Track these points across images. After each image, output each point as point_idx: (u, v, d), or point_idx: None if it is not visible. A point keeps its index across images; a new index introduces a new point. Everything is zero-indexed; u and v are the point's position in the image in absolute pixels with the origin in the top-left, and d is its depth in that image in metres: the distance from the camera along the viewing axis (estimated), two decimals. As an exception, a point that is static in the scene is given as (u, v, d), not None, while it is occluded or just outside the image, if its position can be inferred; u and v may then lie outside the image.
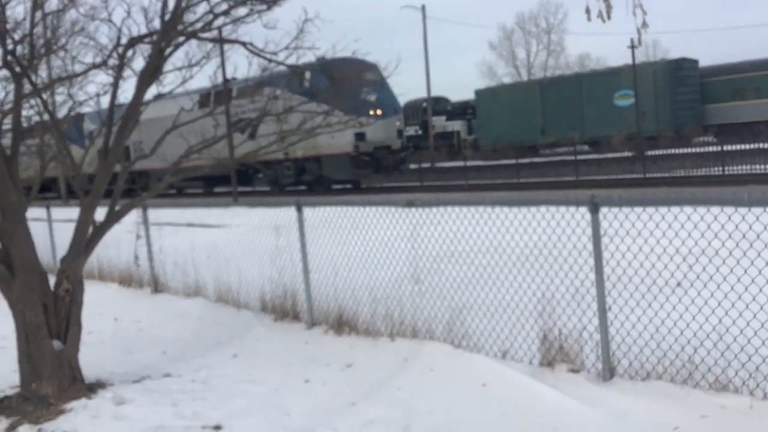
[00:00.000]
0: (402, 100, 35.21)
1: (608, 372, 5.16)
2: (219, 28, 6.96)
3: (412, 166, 32.75)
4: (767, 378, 4.52)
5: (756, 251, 4.71)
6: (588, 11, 3.83)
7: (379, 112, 28.38)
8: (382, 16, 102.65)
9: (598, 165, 28.76)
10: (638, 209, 5.20)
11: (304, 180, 30.18)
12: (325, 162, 28.77)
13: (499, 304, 6.11)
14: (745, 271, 4.72)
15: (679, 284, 5.69)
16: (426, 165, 37.14)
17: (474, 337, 6.09)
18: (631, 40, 39.01)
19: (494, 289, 6.21)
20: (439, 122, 50.69)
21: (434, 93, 48.69)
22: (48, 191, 39.55)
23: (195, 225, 17.35)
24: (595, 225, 5.09)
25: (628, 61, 38.62)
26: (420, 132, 49.23)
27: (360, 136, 27.89)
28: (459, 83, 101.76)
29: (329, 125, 7.69)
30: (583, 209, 5.24)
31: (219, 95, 28.62)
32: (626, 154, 30.61)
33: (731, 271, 4.81)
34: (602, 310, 5.15)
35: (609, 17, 3.97)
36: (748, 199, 4.29)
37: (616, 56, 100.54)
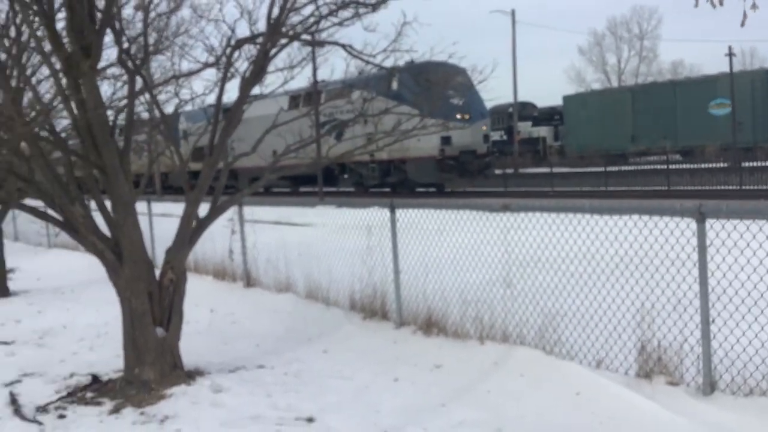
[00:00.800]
0: (488, 105, 34.99)
1: (709, 386, 5.02)
2: (320, 31, 7.12)
3: (497, 171, 32.51)
4: None
5: None
6: None
7: (466, 116, 28.30)
8: (471, 20, 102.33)
9: (691, 175, 27.87)
10: (746, 221, 5.05)
11: (389, 182, 30.35)
12: (410, 165, 28.88)
13: (594, 313, 6.02)
14: None
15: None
16: (510, 170, 36.80)
17: (567, 345, 6.02)
18: (729, 48, 37.80)
19: (590, 296, 6.12)
20: (525, 128, 50.16)
21: (521, 98, 48.33)
22: (136, 187, 41.12)
23: (282, 223, 17.74)
24: (701, 235, 4.96)
25: (723, 69, 37.41)
26: (505, 137, 48.82)
27: (446, 140, 27.88)
28: (546, 89, 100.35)
29: (416, 128, 7.74)
30: (688, 219, 5.12)
31: (308, 97, 29.11)
32: (721, 164, 29.53)
33: None
34: (705, 323, 5.01)
35: (721, 3, 3.82)
36: None
37: (711, 64, 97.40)
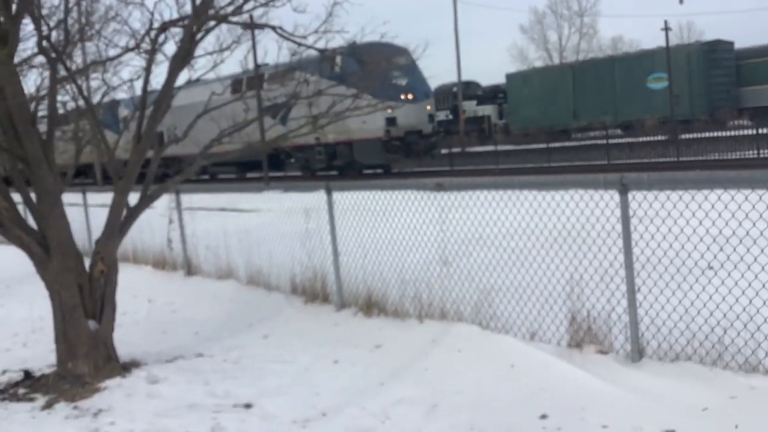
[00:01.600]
0: (432, 85, 35.10)
1: (637, 353, 5.15)
2: (249, 12, 7.04)
3: (443, 151, 32.66)
4: (798, 359, 4.49)
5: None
6: None
7: (410, 96, 28.33)
8: (414, 1, 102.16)
9: (631, 149, 28.43)
10: (668, 191, 5.17)
11: (336, 165, 30.26)
12: (356, 147, 28.83)
13: (527, 286, 6.12)
14: (762, 251, 4.67)
15: (710, 267, 5.65)
16: (456, 150, 37.02)
17: (502, 319, 6.11)
18: (665, 22, 38.51)
19: (522, 271, 6.21)
20: (470, 107, 50.45)
21: (465, 77, 48.46)
22: (84, 176, 40.23)
23: (228, 210, 17.55)
24: (624, 206, 5.07)
25: (662, 43, 38.03)
26: (450, 117, 49.05)
27: (391, 121, 27.88)
28: (490, 67, 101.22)
29: (358, 108, 7.72)
30: (613, 191, 5.22)
31: (251, 81, 28.79)
32: (659, 137, 30.18)
33: (762, 251, 4.77)
34: (631, 292, 5.14)
35: None
36: (779, 179, 4.24)
37: (650, 39, 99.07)
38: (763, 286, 4.78)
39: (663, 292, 5.29)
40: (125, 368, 6.23)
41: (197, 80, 7.88)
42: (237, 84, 29.50)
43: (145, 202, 6.44)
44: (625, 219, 5.08)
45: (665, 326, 5.14)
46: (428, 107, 29.92)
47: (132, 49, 6.33)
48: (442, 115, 46.66)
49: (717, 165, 21.98)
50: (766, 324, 4.70)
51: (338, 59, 25.56)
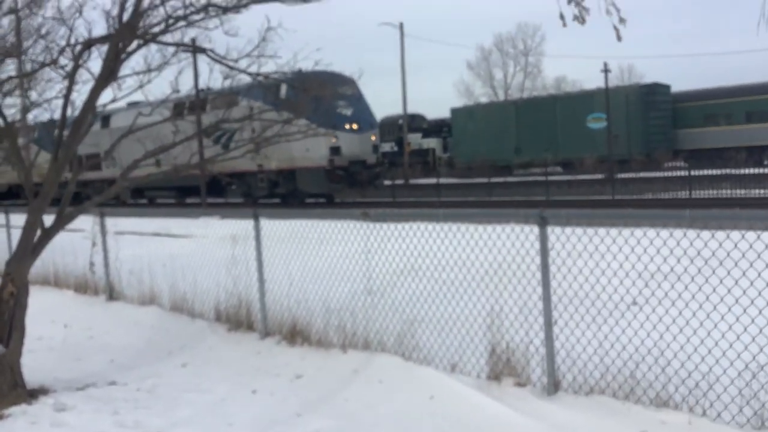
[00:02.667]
0: (378, 116, 35.27)
1: (553, 386, 5.15)
2: (181, 33, 6.93)
3: (386, 182, 32.75)
4: (706, 395, 4.54)
5: (697, 268, 4.74)
6: (562, 17, 3.81)
7: (354, 126, 28.37)
8: (360, 32, 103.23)
9: (569, 186, 28.99)
10: (590, 229, 5.24)
11: (278, 193, 29.97)
12: (299, 175, 28.64)
13: (449, 318, 6.09)
14: (686, 287, 4.75)
15: (635, 302, 5.72)
16: (400, 182, 37.18)
17: (424, 350, 6.06)
18: (605, 64, 39.61)
19: (445, 302, 6.20)
20: (415, 139, 50.83)
21: (411, 110, 48.87)
22: (17, 198, 39.12)
23: (162, 234, 17.20)
24: (543, 239, 5.10)
25: (602, 84, 39.09)
26: (395, 148, 49.33)
27: (335, 150, 27.83)
28: (436, 101, 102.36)
29: (300, 132, 7.66)
30: (533, 225, 5.25)
31: (194, 105, 28.47)
32: (597, 176, 30.88)
33: (672, 287, 4.84)
34: (548, 324, 5.15)
35: (584, 21, 3.96)
36: (688, 217, 4.32)
37: (592, 80, 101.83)
38: (674, 320, 4.85)
39: (579, 326, 5.32)
40: (32, 395, 5.96)
41: (137, 102, 7.75)
42: (179, 107, 29.17)
43: (61, 223, 6.23)
44: (544, 252, 5.10)
45: (580, 359, 5.17)
46: (373, 137, 29.99)
47: (49, 64, 6.16)
48: (387, 147, 46.86)
49: (650, 204, 22.54)
50: (676, 359, 4.74)
51: (283, 87, 25.50)
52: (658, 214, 4.62)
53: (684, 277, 4.97)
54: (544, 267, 5.11)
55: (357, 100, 28.86)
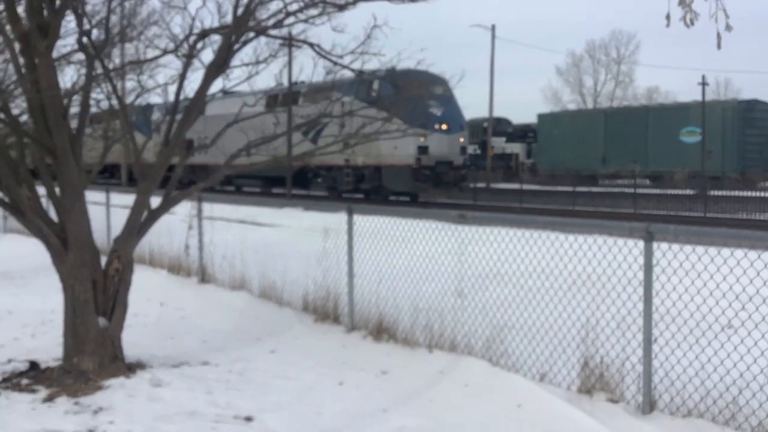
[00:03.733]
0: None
1: (648, 405, 5.03)
2: (289, 28, 7.06)
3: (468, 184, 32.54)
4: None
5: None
6: (668, 17, 3.69)
7: (444, 126, 28.22)
8: (452, 32, 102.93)
9: (658, 200, 28.17)
10: (693, 246, 5.09)
11: (363, 188, 30.05)
12: (385, 172, 28.66)
13: (541, 326, 6.02)
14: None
15: (730, 325, 5.53)
16: (481, 185, 36.92)
17: (513, 357, 6.02)
18: (703, 77, 38.38)
19: (537, 310, 6.12)
20: (499, 143, 50.44)
21: (497, 113, 48.52)
22: (111, 177, 40.66)
23: (247, 222, 17.59)
24: (648, 254, 4.98)
25: (697, 97, 37.88)
26: (478, 151, 49.04)
27: (423, 149, 27.71)
28: (522, 106, 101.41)
29: (387, 132, 7.71)
30: (638, 239, 5.14)
31: (286, 96, 28.91)
32: (688, 191, 29.92)
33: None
34: (648, 342, 5.03)
35: (692, 24, 3.83)
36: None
37: (685, 92, 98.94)
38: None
39: (680, 346, 5.17)
40: (130, 369, 6.19)
41: (232, 91, 7.96)
42: (272, 98, 29.70)
43: (167, 205, 6.44)
44: (648, 268, 4.98)
45: (679, 380, 5.02)
46: (461, 139, 29.72)
47: (170, 52, 6.37)
48: (470, 149, 46.60)
49: (744, 224, 21.71)
50: (783, 388, 4.57)
51: (375, 84, 25.64)
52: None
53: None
54: (647, 283, 4.99)
55: (448, 100, 28.72)
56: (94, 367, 6.00)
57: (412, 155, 27.60)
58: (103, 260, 6.33)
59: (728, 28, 3.66)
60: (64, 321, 6.17)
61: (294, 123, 23.87)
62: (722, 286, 4.96)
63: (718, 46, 3.74)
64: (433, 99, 27.31)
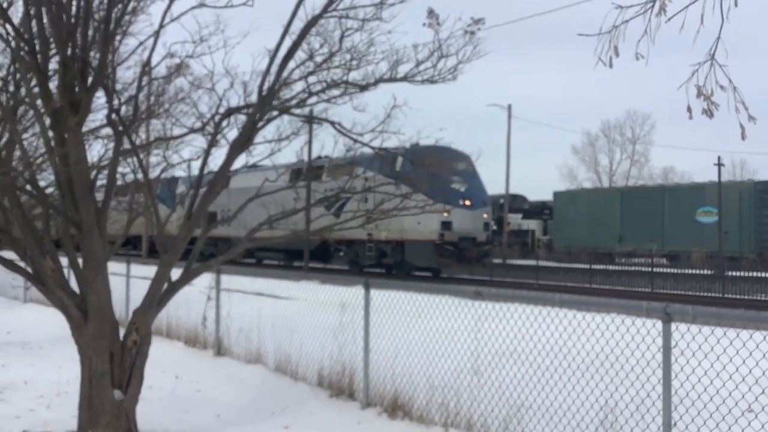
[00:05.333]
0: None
1: (668, 492, 4.93)
2: (311, 106, 7.27)
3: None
4: None
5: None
6: (690, 110, 3.80)
7: (467, 202, 28.23)
8: (470, 111, 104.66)
9: (675, 279, 27.93)
10: (712, 327, 5.07)
11: (385, 263, 29.68)
12: (408, 247, 28.35)
13: (559, 407, 5.95)
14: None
15: (750, 410, 5.44)
16: (498, 260, 36.81)
17: (530, 438, 5.93)
18: (718, 158, 38.58)
19: (555, 390, 6.06)
20: (515, 220, 50.52)
21: (513, 190, 48.79)
22: (132, 247, 40.97)
23: (264, 294, 17.60)
24: (667, 336, 4.96)
25: (713, 177, 38.00)
26: (495, 227, 49.07)
27: (446, 225, 27.58)
28: (538, 183, 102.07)
29: (409, 208, 7.80)
30: (655, 319, 5.13)
31: (309, 172, 29.17)
32: (705, 271, 29.68)
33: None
34: (667, 426, 4.96)
35: (712, 115, 3.93)
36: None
37: (701, 172, 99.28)
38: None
39: (700, 430, 5.09)
40: (143, 443, 6.16)
41: (255, 165, 8.09)
42: (295, 174, 30.04)
43: (187, 277, 6.52)
44: (667, 349, 4.96)
45: (700, 466, 4.93)
46: (485, 215, 29.46)
47: (197, 131, 6.57)
48: (491, 225, 46.62)
49: (763, 306, 21.44)
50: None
51: (399, 160, 25.90)
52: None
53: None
54: (666, 365, 4.96)
55: (471, 176, 28.82)
56: (108, 440, 5.97)
57: (436, 231, 27.48)
58: (122, 332, 6.38)
59: (751, 119, 3.75)
60: (80, 393, 6.18)
61: (315, 197, 24.17)
62: (741, 370, 4.92)
63: (743, 137, 3.82)
64: (457, 175, 27.45)
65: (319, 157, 23.22)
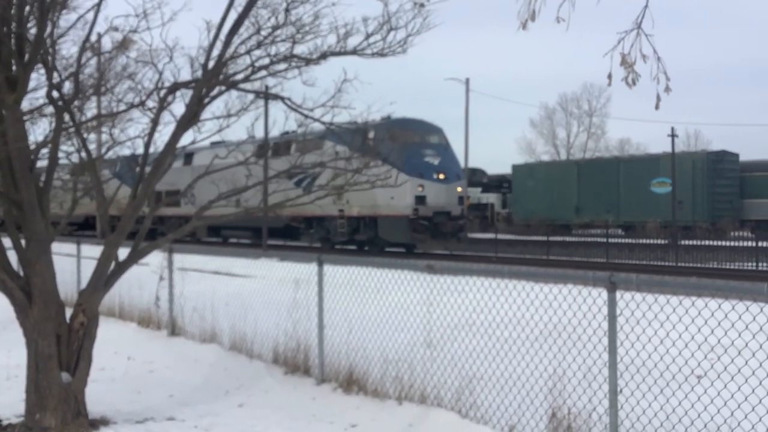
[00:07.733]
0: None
1: (615, 456, 5.02)
2: (261, 81, 7.16)
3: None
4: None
5: (758, 343, 4.61)
6: (610, 77, 3.83)
7: (441, 176, 27.63)
8: (429, 86, 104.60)
9: (630, 249, 28.42)
10: (656, 295, 5.15)
11: (358, 239, 28.84)
12: (381, 223, 27.51)
13: (509, 377, 6.02)
14: (761, 364, 4.61)
15: (696, 375, 5.56)
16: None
17: (482, 409, 5.99)
18: (672, 129, 39.21)
19: (506, 361, 6.12)
20: (475, 193, 50.79)
21: (472, 164, 49.00)
22: (92, 229, 40.20)
23: (221, 273, 17.49)
24: (612, 304, 5.02)
25: (668, 149, 38.64)
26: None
27: (420, 199, 26.84)
28: (497, 157, 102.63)
29: (370, 182, 7.73)
30: (601, 288, 5.20)
31: (277, 147, 28.50)
32: (660, 241, 30.24)
33: (746, 363, 4.70)
34: (613, 392, 5.04)
35: (634, 84, 3.96)
36: (767, 292, 4.22)
37: (657, 143, 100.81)
38: (746, 398, 4.70)
39: (645, 396, 5.19)
40: (93, 425, 6.08)
41: (221, 142, 7.96)
42: (260, 149, 29.37)
43: (135, 257, 6.41)
44: (612, 317, 5.03)
45: (645, 431, 5.03)
46: (459, 189, 28.87)
47: (137, 106, 6.42)
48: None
49: (715, 273, 21.93)
50: (747, 438, 4.59)
51: (371, 133, 25.47)
52: (734, 286, 4.51)
53: (745, 352, 4.83)
54: (612, 333, 5.02)
55: (444, 149, 28.22)
56: (57, 423, 5.89)
57: (410, 205, 26.66)
58: (69, 313, 6.26)
59: (667, 89, 3.78)
60: (27, 376, 6.07)
61: (280, 172, 23.87)
62: (685, 336, 5.01)
63: (657, 107, 3.85)
64: (430, 148, 27.07)
65: (287, 133, 22.81)
